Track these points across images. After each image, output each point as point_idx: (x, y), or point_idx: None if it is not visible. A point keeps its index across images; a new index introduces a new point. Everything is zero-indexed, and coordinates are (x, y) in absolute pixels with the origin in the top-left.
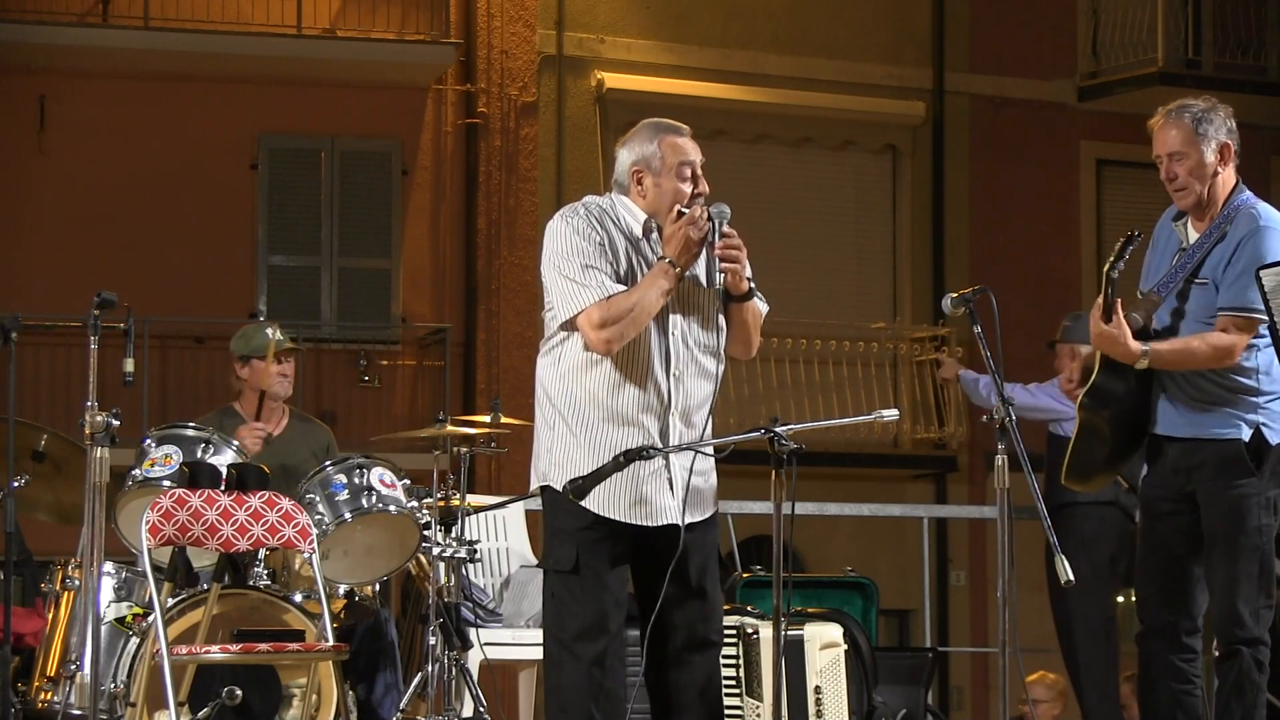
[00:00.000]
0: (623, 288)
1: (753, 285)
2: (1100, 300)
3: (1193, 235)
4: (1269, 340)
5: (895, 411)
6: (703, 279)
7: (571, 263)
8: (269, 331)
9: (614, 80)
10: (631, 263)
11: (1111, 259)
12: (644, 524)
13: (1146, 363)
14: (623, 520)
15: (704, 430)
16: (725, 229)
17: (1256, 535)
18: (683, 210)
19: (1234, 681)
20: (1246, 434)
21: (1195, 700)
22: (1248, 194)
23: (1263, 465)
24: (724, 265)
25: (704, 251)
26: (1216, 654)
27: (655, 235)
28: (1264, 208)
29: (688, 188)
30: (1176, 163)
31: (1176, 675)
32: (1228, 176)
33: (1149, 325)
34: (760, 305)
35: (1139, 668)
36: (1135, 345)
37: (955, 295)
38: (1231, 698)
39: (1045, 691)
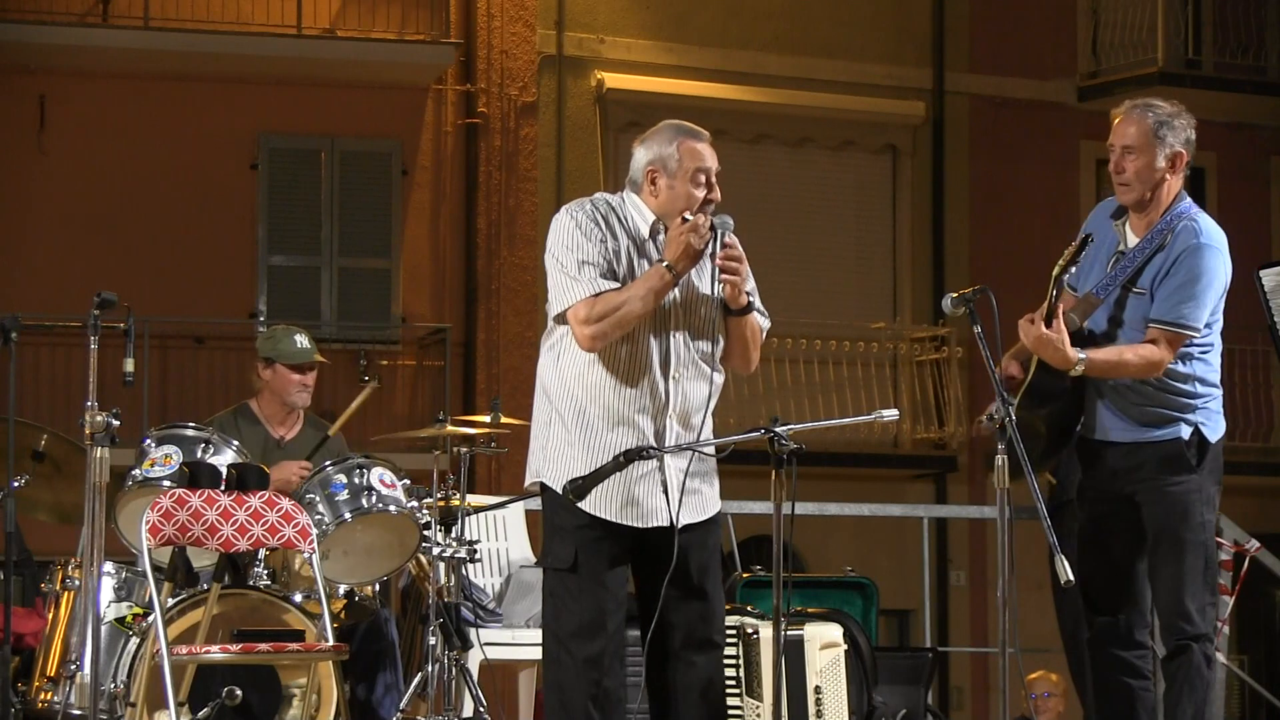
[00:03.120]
0: (616, 285)
1: (753, 301)
2: (1044, 305)
3: (1131, 238)
4: (1203, 349)
5: (895, 411)
6: (705, 285)
7: (570, 257)
8: (298, 339)
9: (614, 80)
10: (633, 263)
11: (1063, 262)
12: (634, 525)
13: (1081, 370)
14: (613, 520)
15: (702, 433)
16: (727, 239)
17: (1200, 531)
18: (687, 217)
19: (1185, 678)
20: (1186, 433)
21: (1150, 696)
22: (1189, 203)
23: (1202, 462)
24: (723, 276)
25: (704, 260)
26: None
27: (661, 237)
28: (1204, 222)
29: (700, 193)
30: (1128, 157)
31: (1132, 671)
32: (1174, 184)
33: (1083, 328)
34: (761, 321)
35: (1090, 666)
36: (1072, 353)
37: (955, 295)
38: (1183, 694)
39: (1054, 686)
